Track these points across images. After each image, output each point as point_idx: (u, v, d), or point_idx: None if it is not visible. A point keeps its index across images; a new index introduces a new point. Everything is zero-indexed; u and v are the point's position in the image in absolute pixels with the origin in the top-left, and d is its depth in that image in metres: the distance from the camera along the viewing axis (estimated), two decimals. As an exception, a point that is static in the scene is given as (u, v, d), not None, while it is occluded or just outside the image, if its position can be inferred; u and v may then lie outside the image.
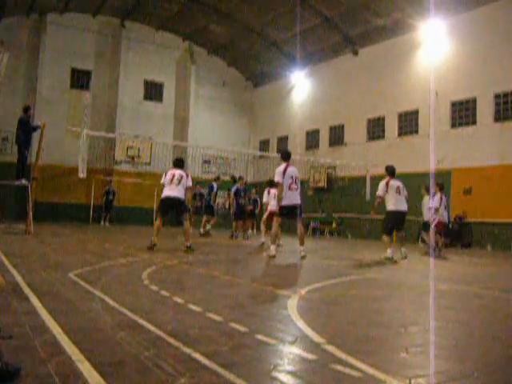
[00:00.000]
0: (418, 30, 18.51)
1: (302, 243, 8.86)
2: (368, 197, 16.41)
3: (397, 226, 9.52)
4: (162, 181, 9.24)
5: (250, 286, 5.25)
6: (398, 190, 9.33)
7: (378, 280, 6.41)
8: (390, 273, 7.28)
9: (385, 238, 9.39)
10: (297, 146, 23.93)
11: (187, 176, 9.23)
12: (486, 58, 16.29)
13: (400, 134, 19.52)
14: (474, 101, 16.77)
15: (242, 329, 3.04)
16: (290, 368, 2.36)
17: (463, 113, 17.19)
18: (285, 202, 8.71)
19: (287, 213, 8.85)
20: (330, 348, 2.68)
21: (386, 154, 19.07)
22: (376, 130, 20.61)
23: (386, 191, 9.32)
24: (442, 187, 11.96)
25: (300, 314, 3.57)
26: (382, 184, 9.41)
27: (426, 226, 12.40)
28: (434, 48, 17.91)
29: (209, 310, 3.56)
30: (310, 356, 2.53)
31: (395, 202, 9.27)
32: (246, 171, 26.77)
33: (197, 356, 2.42)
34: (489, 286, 6.25)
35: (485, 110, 16.40)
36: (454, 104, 17.43)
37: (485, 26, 16.41)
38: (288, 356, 2.57)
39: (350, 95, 21.58)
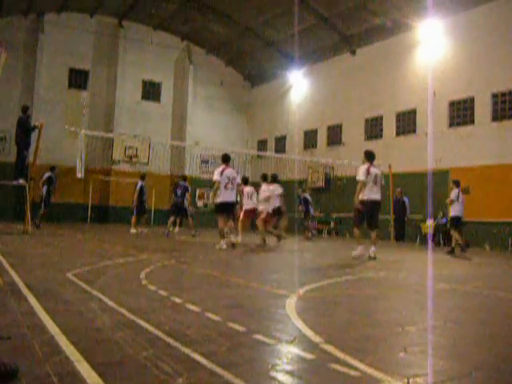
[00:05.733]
0: (415, 29, 18.52)
1: (222, 237, 9.91)
2: None
3: None
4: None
5: (248, 285, 5.25)
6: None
7: (375, 279, 6.41)
8: (387, 272, 7.29)
9: None
10: (295, 145, 23.94)
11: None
12: (484, 57, 16.30)
13: (398, 134, 19.53)
14: (472, 100, 16.78)
15: (241, 328, 3.04)
16: (288, 368, 2.36)
17: (461, 112, 17.20)
18: (220, 199, 9.86)
19: (222, 209, 9.96)
20: (329, 347, 2.68)
21: (384, 153, 19.08)
22: (374, 129, 20.62)
23: None
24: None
25: (298, 314, 3.57)
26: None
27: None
28: (432, 48, 17.93)
29: (207, 309, 3.56)
30: (309, 356, 2.53)
31: None
32: (244, 171, 26.76)
33: (195, 356, 2.42)
34: (487, 285, 6.26)
35: (483, 110, 16.41)
36: (451, 103, 17.45)
37: (483, 26, 16.42)
38: (286, 356, 2.57)
39: (348, 95, 21.58)
